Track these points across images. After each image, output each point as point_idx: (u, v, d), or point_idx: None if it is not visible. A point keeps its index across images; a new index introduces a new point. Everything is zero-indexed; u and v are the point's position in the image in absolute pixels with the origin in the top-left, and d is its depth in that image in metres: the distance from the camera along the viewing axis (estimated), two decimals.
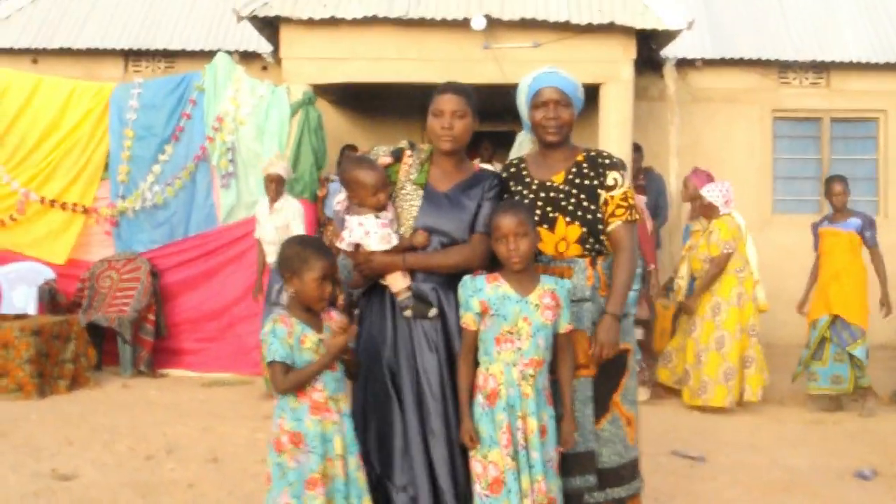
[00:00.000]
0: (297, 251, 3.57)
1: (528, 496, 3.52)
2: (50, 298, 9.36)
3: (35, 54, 11.50)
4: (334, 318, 3.59)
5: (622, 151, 9.22)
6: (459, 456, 3.80)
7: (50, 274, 9.48)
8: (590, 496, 3.88)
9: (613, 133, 9.47)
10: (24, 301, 9.31)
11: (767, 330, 8.31)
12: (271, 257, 8.18)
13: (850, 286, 7.95)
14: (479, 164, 4.19)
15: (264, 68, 11.18)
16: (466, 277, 3.71)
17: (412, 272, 3.88)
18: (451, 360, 3.84)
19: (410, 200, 3.95)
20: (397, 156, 4.05)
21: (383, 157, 4.04)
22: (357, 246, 3.86)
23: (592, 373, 3.86)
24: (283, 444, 3.49)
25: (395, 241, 3.85)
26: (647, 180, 9.96)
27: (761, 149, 11.37)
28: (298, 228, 8.26)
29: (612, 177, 3.96)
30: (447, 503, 3.78)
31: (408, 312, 3.83)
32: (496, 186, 3.97)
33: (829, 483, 5.85)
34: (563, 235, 3.89)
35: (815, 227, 8.37)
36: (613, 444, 3.92)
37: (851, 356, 7.87)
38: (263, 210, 8.50)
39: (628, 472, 4.00)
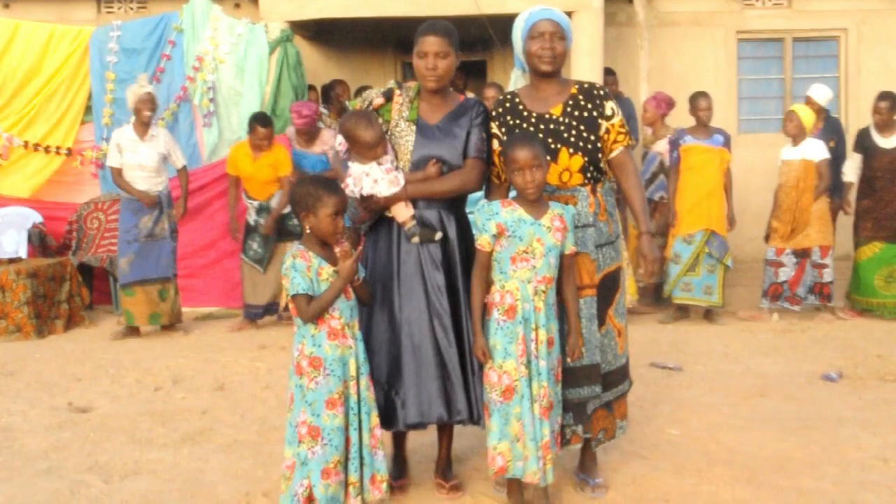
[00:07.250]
0: (310, 190, 3.84)
1: (536, 401, 3.89)
2: (39, 241, 9.54)
3: None
4: (339, 247, 3.86)
5: (594, 77, 9.43)
6: (471, 365, 4.18)
7: (38, 217, 9.63)
8: (592, 403, 4.25)
9: (585, 60, 9.65)
10: (14, 245, 9.44)
11: (733, 245, 8.66)
12: (142, 185, 8.09)
13: (723, 201, 8.47)
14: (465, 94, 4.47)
15: (237, 5, 11.18)
16: (483, 202, 4.06)
17: (414, 200, 4.23)
18: (451, 277, 4.24)
19: (405, 136, 4.30)
20: (388, 96, 4.39)
21: (377, 100, 4.38)
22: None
23: (595, 292, 4.19)
24: (303, 367, 3.80)
25: (402, 181, 4.19)
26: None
27: (726, 70, 11.61)
28: (180, 157, 8.45)
29: (609, 106, 4.25)
30: (460, 410, 4.18)
31: (415, 239, 4.21)
32: (482, 113, 4.33)
33: (800, 386, 6.25)
34: (567, 166, 4.15)
35: (673, 142, 8.63)
36: (605, 354, 4.26)
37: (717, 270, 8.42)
38: (130, 137, 8.12)
39: (616, 377, 4.36)
